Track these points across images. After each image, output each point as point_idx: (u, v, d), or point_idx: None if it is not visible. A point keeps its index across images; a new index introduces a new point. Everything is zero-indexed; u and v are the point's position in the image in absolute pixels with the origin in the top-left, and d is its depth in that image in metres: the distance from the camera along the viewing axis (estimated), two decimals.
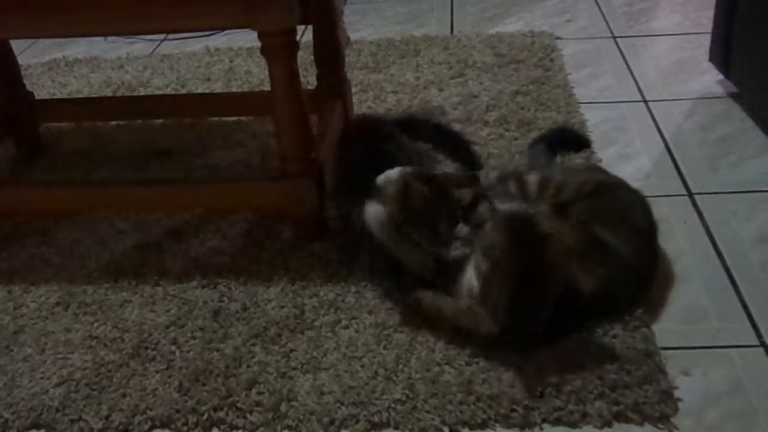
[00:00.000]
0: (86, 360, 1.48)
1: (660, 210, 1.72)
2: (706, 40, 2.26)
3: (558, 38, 2.67)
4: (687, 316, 1.47)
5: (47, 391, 1.42)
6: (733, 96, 2.19)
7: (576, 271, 1.39)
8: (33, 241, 1.85)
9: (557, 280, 1.34)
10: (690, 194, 1.81)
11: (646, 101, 2.24)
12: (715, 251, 1.63)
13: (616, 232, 1.46)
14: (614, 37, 2.68)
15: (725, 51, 2.15)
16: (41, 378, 1.45)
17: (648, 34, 2.69)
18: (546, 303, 1.34)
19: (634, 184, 1.74)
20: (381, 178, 1.53)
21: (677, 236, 1.67)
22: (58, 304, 1.64)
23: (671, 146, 2.00)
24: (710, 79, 2.29)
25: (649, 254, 1.52)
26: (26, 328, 1.58)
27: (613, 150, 1.99)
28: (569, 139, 1.99)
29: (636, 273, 1.47)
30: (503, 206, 1.47)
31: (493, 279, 1.34)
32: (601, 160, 1.94)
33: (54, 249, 1.81)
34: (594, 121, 2.13)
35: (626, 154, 1.98)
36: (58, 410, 1.38)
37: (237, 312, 1.56)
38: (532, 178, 1.60)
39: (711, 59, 2.26)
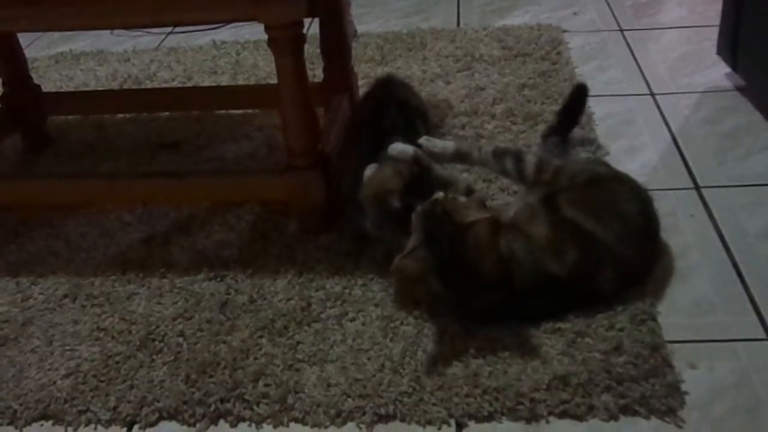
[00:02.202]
0: (94, 352, 1.49)
1: (667, 203, 1.72)
2: (714, 33, 2.25)
3: (565, 31, 2.67)
4: (694, 310, 1.47)
5: (55, 383, 1.43)
6: (740, 89, 2.18)
7: (546, 257, 1.42)
8: (40, 233, 1.86)
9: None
10: (697, 188, 1.81)
11: (653, 94, 2.23)
12: (722, 244, 1.63)
13: (599, 220, 1.46)
14: (621, 30, 2.67)
15: (733, 44, 2.14)
16: (49, 369, 1.46)
17: (655, 27, 2.68)
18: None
19: (641, 177, 1.74)
20: (395, 149, 1.58)
21: (684, 230, 1.67)
22: (65, 296, 1.64)
23: (678, 140, 2.00)
24: (718, 72, 2.28)
25: (639, 241, 1.51)
26: (34, 319, 1.59)
27: (620, 143, 1.99)
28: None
29: (618, 258, 1.46)
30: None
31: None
32: (608, 154, 1.94)
33: (61, 241, 1.82)
34: (601, 114, 2.13)
35: (633, 148, 1.98)
36: (65, 401, 1.39)
37: (244, 304, 1.57)
38: (531, 159, 1.60)
39: (719, 52, 2.25)
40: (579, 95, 1.97)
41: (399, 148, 1.61)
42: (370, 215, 1.58)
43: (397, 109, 1.84)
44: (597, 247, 1.44)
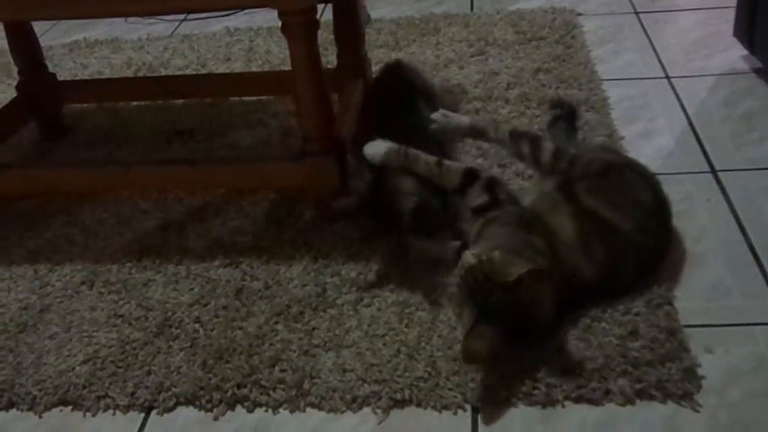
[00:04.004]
0: (111, 338, 1.50)
1: (683, 187, 1.71)
2: (731, 15, 2.23)
3: (579, 14, 2.65)
4: (710, 294, 1.46)
5: (73, 369, 1.44)
6: (757, 72, 2.16)
7: (578, 259, 1.40)
8: (57, 221, 1.87)
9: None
10: (713, 171, 1.79)
11: (669, 77, 2.22)
12: (738, 228, 1.62)
13: (618, 210, 1.45)
14: (636, 13, 2.65)
15: (750, 26, 2.12)
16: (67, 355, 1.47)
17: (671, 9, 2.66)
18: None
19: (657, 161, 1.73)
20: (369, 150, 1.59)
21: (701, 213, 1.66)
22: (83, 283, 1.66)
23: (694, 123, 1.98)
24: (734, 54, 2.26)
25: (656, 230, 1.50)
26: (52, 306, 1.60)
27: (635, 127, 1.98)
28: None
29: (638, 249, 1.45)
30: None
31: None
32: (623, 138, 1.93)
33: (78, 229, 1.83)
34: (616, 98, 2.11)
35: (649, 131, 1.97)
36: (84, 387, 1.40)
37: (259, 290, 1.57)
38: (548, 146, 1.56)
39: (735, 34, 2.23)
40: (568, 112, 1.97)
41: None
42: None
43: (401, 91, 1.83)
44: (621, 241, 1.43)
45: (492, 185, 1.54)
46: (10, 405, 1.40)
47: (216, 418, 1.33)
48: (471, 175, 1.56)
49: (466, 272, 1.33)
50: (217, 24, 2.92)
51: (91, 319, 1.56)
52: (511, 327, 1.30)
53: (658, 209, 1.52)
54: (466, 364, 1.33)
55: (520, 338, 1.33)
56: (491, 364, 1.33)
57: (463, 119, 1.66)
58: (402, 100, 1.83)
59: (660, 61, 2.31)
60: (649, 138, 1.94)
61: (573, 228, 1.43)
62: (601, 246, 1.41)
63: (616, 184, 1.51)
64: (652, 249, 1.49)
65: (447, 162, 1.59)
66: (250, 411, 1.34)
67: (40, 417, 1.38)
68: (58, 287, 1.65)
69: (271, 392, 1.35)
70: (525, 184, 1.74)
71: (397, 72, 1.99)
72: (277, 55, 2.58)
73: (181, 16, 3.04)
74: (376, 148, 1.59)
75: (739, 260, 1.53)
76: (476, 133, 1.66)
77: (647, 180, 1.55)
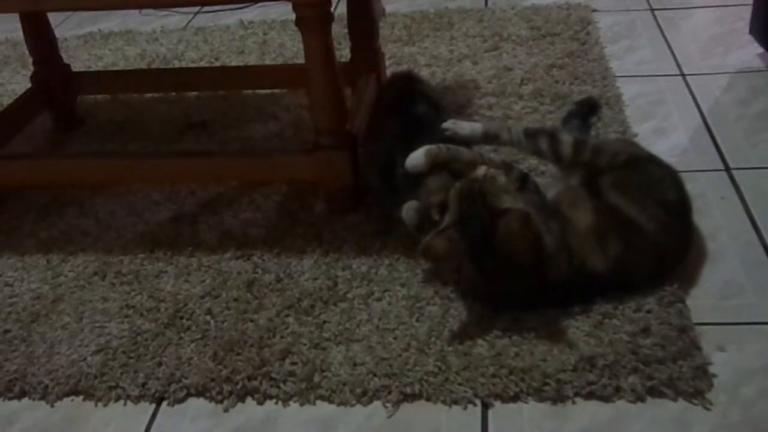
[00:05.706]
0: (123, 329, 1.51)
1: (697, 185, 1.70)
2: (747, 13, 2.22)
3: (594, 10, 2.64)
4: (723, 292, 1.45)
5: (85, 359, 1.45)
6: None
7: (589, 252, 1.40)
8: (70, 212, 1.88)
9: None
10: (728, 169, 1.79)
11: (683, 75, 2.20)
12: (752, 227, 1.61)
13: (643, 208, 1.43)
14: (652, 9, 2.63)
15: (766, 24, 2.11)
16: (79, 346, 1.48)
17: (686, 6, 2.64)
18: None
19: (671, 158, 1.72)
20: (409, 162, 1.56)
21: (714, 211, 1.66)
22: (95, 273, 1.66)
23: (709, 121, 1.97)
24: (750, 52, 2.25)
25: (678, 231, 1.49)
26: (65, 296, 1.61)
27: (649, 124, 1.97)
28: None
29: (659, 249, 1.44)
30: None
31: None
32: (637, 135, 1.92)
33: (91, 220, 1.84)
34: (630, 95, 2.10)
35: (663, 129, 1.96)
36: (96, 377, 1.41)
37: (271, 283, 1.57)
38: (567, 139, 1.55)
39: (751, 32, 2.22)
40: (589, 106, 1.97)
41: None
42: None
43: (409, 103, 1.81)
44: (641, 239, 1.42)
45: (524, 178, 1.58)
46: (22, 394, 1.41)
47: (226, 410, 1.34)
48: (508, 166, 1.59)
49: (470, 182, 1.37)
50: (230, 17, 2.92)
51: (103, 309, 1.56)
52: (476, 250, 1.35)
53: (682, 208, 1.50)
54: (422, 256, 1.44)
55: (477, 268, 1.39)
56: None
57: (476, 126, 1.65)
58: (411, 111, 1.80)
59: (675, 59, 2.30)
60: (663, 135, 1.93)
61: (590, 220, 1.43)
62: (618, 241, 1.41)
63: (641, 179, 1.50)
64: (673, 250, 1.48)
65: (484, 154, 1.60)
66: (260, 403, 1.34)
67: (52, 406, 1.38)
68: (71, 278, 1.66)
69: (281, 385, 1.35)
70: (539, 180, 1.73)
71: (406, 83, 1.96)
72: (290, 48, 2.59)
73: (195, 9, 3.04)
74: (415, 157, 1.54)
75: (753, 258, 1.53)
76: (491, 137, 1.66)
77: (673, 177, 1.53)
